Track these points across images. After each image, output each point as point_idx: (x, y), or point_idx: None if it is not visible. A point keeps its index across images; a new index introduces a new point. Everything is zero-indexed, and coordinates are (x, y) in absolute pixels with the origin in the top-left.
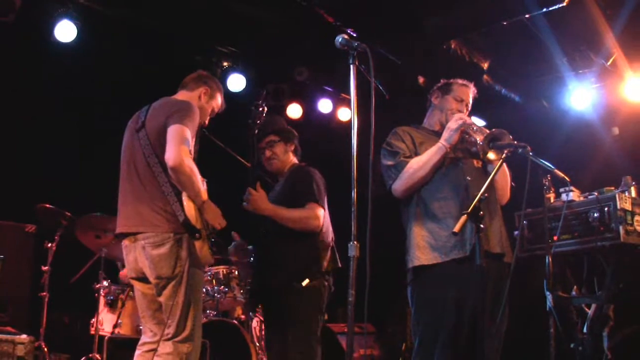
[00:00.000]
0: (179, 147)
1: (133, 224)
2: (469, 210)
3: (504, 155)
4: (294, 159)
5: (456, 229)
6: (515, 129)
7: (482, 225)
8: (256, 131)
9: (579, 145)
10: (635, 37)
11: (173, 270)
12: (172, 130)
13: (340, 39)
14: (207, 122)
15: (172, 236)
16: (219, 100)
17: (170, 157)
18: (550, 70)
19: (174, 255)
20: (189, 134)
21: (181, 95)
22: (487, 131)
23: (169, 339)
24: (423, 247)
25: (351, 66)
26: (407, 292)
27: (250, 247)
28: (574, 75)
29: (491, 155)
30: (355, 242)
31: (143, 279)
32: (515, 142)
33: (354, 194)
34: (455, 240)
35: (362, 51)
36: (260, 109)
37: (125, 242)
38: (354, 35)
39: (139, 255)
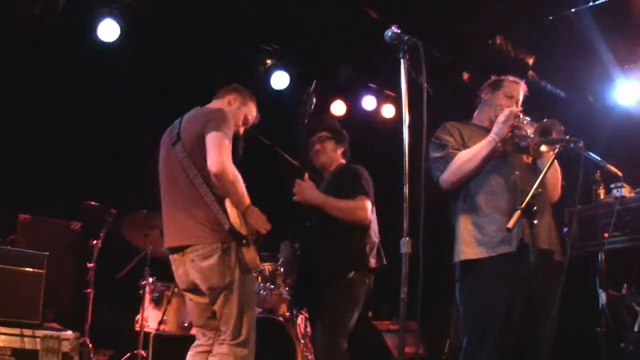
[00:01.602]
0: (221, 153)
1: (180, 238)
2: (523, 205)
3: (556, 150)
4: (341, 160)
5: (510, 224)
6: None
7: (535, 222)
8: (306, 120)
9: (624, 141)
10: None
11: (224, 280)
12: (211, 138)
13: (389, 33)
14: (241, 131)
15: (220, 246)
16: (252, 108)
17: (213, 163)
18: (596, 65)
19: (223, 264)
20: (228, 140)
21: (213, 104)
22: (537, 124)
23: (224, 344)
24: (469, 242)
25: (401, 60)
26: (455, 288)
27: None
28: (620, 70)
29: (543, 147)
30: (407, 239)
31: (194, 290)
32: (568, 136)
33: (406, 190)
34: (503, 236)
35: (413, 45)
36: (312, 97)
37: (174, 257)
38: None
39: (189, 269)
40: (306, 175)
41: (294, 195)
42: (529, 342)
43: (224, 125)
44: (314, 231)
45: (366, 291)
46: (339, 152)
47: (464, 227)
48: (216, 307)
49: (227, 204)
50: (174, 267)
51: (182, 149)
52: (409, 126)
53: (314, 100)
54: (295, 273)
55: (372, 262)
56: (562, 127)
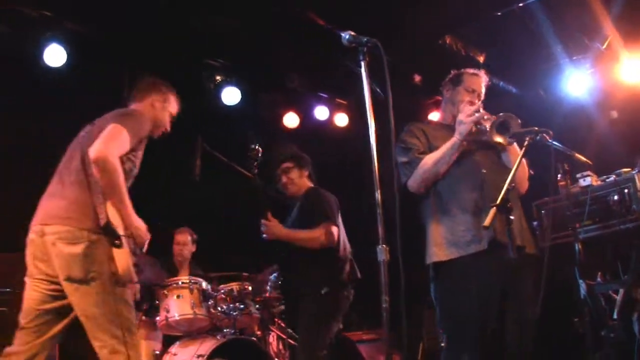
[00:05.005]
0: (108, 142)
1: (47, 216)
2: (498, 202)
3: (526, 142)
4: (309, 183)
5: (486, 222)
6: None
7: (511, 217)
8: (256, 171)
9: (575, 131)
10: (631, 17)
11: (86, 274)
12: (108, 128)
13: (347, 36)
14: (168, 127)
15: (87, 235)
16: (173, 102)
17: (93, 149)
18: (546, 58)
19: (89, 257)
20: (127, 137)
21: (133, 107)
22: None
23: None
24: (440, 243)
25: (362, 63)
26: (430, 289)
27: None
28: (569, 61)
29: (498, 139)
30: (383, 246)
31: (48, 279)
32: (536, 127)
33: (378, 196)
34: (472, 235)
35: (372, 45)
36: (256, 150)
37: (30, 237)
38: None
39: (52, 254)
40: (269, 214)
41: (263, 234)
42: (510, 339)
43: (132, 122)
44: (289, 260)
45: (344, 304)
46: (305, 176)
47: (434, 228)
48: (79, 308)
49: (109, 203)
50: (27, 251)
51: (90, 134)
52: (361, 133)
53: (260, 155)
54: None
55: (345, 276)
56: (519, 121)
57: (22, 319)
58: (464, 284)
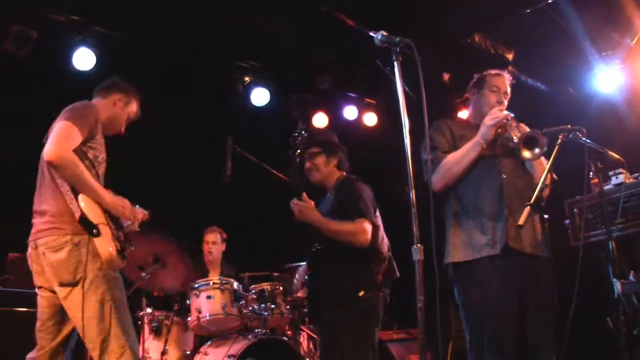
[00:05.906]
0: (57, 141)
1: (37, 231)
2: (532, 201)
3: (559, 140)
4: (337, 172)
5: (520, 221)
6: (541, 116)
7: (546, 216)
8: (298, 159)
9: (605, 128)
10: None
11: (74, 276)
12: (56, 127)
13: (379, 36)
14: (123, 129)
15: (70, 239)
16: (134, 106)
17: (45, 152)
18: (575, 55)
19: (73, 259)
20: (74, 129)
21: (94, 102)
22: (526, 128)
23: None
24: (457, 245)
25: (394, 63)
26: (453, 288)
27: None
28: (598, 58)
29: (526, 154)
30: (419, 245)
31: (49, 288)
32: (569, 125)
33: (412, 195)
34: (487, 239)
35: (405, 45)
36: (302, 135)
37: (29, 251)
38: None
39: (43, 264)
40: (304, 195)
41: (293, 214)
42: (530, 340)
43: (78, 116)
44: (322, 255)
45: (383, 304)
46: (332, 164)
47: (453, 229)
48: (70, 311)
49: (81, 194)
50: (29, 263)
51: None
52: (390, 132)
53: (305, 135)
54: (307, 292)
55: (379, 278)
56: (545, 139)
57: (37, 324)
58: (480, 285)
